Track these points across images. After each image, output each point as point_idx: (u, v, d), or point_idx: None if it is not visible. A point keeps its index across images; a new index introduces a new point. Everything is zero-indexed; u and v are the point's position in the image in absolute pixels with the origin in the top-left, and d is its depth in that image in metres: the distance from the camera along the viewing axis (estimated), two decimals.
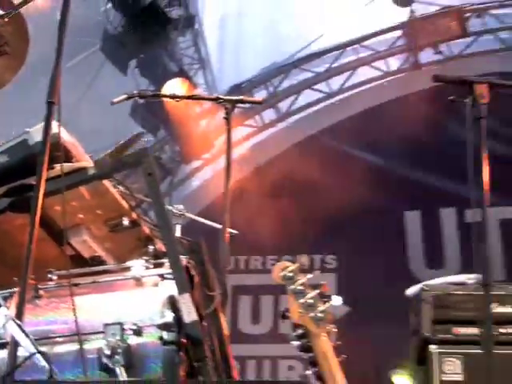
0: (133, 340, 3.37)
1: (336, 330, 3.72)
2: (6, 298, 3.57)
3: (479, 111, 3.64)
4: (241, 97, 5.84)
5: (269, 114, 11.76)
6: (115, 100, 5.44)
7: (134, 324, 3.38)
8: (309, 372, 3.57)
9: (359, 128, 11.34)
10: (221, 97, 5.61)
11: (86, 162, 3.76)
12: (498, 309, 6.03)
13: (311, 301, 3.57)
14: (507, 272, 10.11)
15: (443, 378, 5.88)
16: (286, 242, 9.98)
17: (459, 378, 5.84)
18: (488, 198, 3.64)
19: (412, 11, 10.96)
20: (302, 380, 3.58)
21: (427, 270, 10.35)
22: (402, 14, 11.09)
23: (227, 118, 5.39)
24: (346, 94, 11.83)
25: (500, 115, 10.27)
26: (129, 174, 4.77)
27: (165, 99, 8.42)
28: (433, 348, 6.02)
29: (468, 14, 11.08)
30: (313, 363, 3.56)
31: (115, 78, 10.13)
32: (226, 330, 4.08)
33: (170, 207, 6.07)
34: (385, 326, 9.32)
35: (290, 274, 3.60)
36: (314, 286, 3.63)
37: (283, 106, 11.77)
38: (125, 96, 5.46)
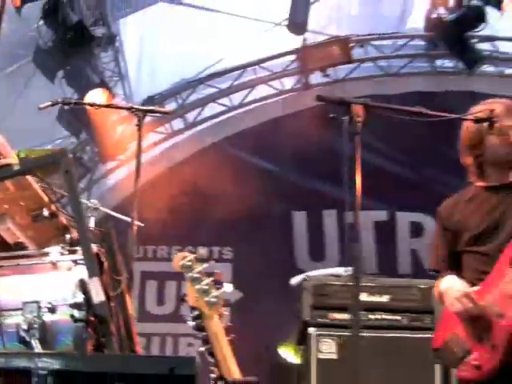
0: (47, 317, 3.36)
1: (228, 312, 3.72)
2: None
3: (355, 128, 3.67)
4: (151, 107, 5.83)
5: (177, 123, 11.74)
6: (42, 106, 5.41)
7: (49, 303, 3.37)
8: (203, 348, 3.56)
9: (256, 138, 11.38)
10: (134, 106, 5.60)
11: (12, 159, 3.73)
12: (367, 298, 6.11)
13: (206, 287, 3.57)
14: (379, 266, 10.22)
15: (320, 356, 5.96)
16: (188, 235, 10.00)
17: (333, 356, 5.93)
18: (360, 202, 3.66)
19: (304, 39, 11.03)
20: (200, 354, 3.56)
21: (311, 262, 10.41)
22: (295, 42, 11.15)
23: (139, 125, 5.38)
24: (246, 108, 11.84)
25: (374, 131, 10.41)
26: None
27: (86, 107, 8.33)
28: (312, 330, 6.09)
29: (352, 44, 11.19)
30: (206, 341, 3.56)
31: (44, 87, 10.01)
32: (131, 310, 4.07)
33: (85, 201, 6.06)
34: (273, 311, 9.36)
35: (189, 263, 3.59)
36: (210, 274, 3.62)
37: (190, 116, 11.76)
38: (50, 103, 5.43)
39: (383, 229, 10.75)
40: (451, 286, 4.07)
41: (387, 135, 10.82)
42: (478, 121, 4.04)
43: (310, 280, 6.26)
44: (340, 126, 3.71)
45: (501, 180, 4.18)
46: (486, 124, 4.04)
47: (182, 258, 3.63)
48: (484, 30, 11.17)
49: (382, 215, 10.84)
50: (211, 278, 3.62)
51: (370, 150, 10.75)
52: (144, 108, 5.52)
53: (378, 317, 6.15)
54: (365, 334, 6.03)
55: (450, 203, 4.34)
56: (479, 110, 4.13)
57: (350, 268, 6.15)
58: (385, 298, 6.21)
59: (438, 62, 12.14)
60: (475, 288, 3.97)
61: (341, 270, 6.38)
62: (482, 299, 3.89)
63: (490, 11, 10.71)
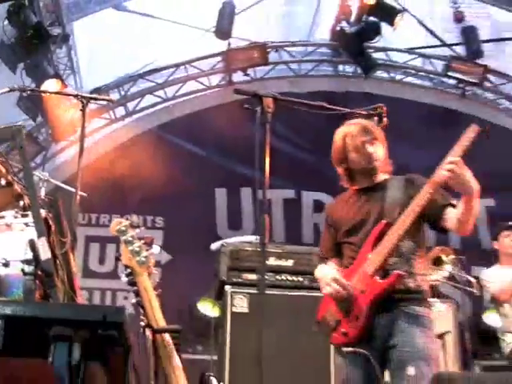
0: (2, 271, 3.31)
1: (158, 272, 3.75)
2: None
3: (265, 117, 3.69)
4: (94, 95, 5.77)
5: (119, 111, 11.71)
6: (1, 91, 5.33)
7: (4, 259, 3.32)
8: (134, 300, 3.57)
9: (186, 126, 11.40)
10: (79, 93, 5.54)
11: None
12: (275, 262, 6.15)
13: (137, 248, 3.57)
14: (286, 237, 10.28)
15: (234, 310, 5.99)
16: (126, 206, 9.95)
17: (245, 310, 5.95)
18: (268, 181, 3.70)
19: (229, 43, 11.05)
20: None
21: (229, 231, 10.43)
22: (221, 45, 11.16)
23: (83, 110, 5.34)
24: (178, 100, 11.83)
25: (284, 122, 10.48)
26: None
27: (41, 94, 8.24)
28: (227, 288, 6.10)
29: (269, 49, 11.25)
30: (137, 294, 3.56)
31: (7, 77, 9.85)
32: (74, 267, 4.05)
33: (37, 174, 5.99)
34: (197, 271, 9.38)
35: (123, 228, 3.59)
36: (141, 238, 3.62)
37: (130, 105, 11.72)
38: (7, 89, 5.34)
39: (291, 205, 10.82)
40: (323, 273, 4.36)
41: (295, 126, 10.92)
42: (368, 116, 4.14)
43: (227, 246, 6.28)
44: (254, 115, 3.73)
45: (367, 183, 4.40)
46: (347, 142, 4.34)
47: (118, 224, 3.62)
48: (379, 42, 11.31)
49: (290, 193, 10.92)
50: (142, 241, 3.63)
51: (281, 138, 10.83)
52: (88, 95, 5.47)
53: (284, 278, 6.20)
54: (272, 292, 6.15)
55: (333, 203, 4.64)
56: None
57: (259, 236, 6.22)
58: (290, 262, 6.26)
59: (340, 67, 12.26)
60: (345, 271, 4.26)
61: (253, 238, 6.42)
62: (349, 279, 4.14)
63: (384, 26, 10.83)
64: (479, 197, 3.93)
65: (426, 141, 10.60)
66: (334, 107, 4.17)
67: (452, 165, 3.85)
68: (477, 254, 10.18)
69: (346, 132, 4.40)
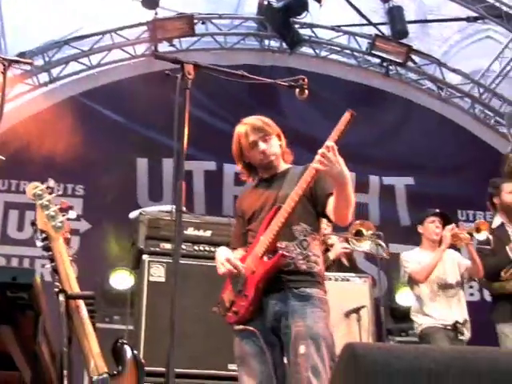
0: None
1: (69, 236, 3.72)
2: None
3: (186, 84, 3.68)
4: (16, 58, 5.63)
5: (43, 77, 11.48)
6: None
7: None
8: (49, 266, 3.55)
9: (109, 94, 11.27)
10: (0, 56, 5.42)
11: None
12: (193, 232, 6.16)
13: (53, 213, 3.54)
14: (207, 208, 10.28)
15: (150, 279, 5.97)
16: (47, 173, 9.76)
17: (162, 279, 5.95)
18: (187, 150, 3.69)
19: (156, 13, 10.94)
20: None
21: (150, 202, 10.37)
22: (148, 15, 11.04)
23: (4, 74, 5.23)
24: (102, 68, 11.69)
25: (205, 92, 10.46)
26: None
27: None
28: (145, 257, 6.10)
29: (196, 21, 11.19)
30: (51, 260, 3.55)
31: None
32: None
33: None
34: (115, 240, 9.35)
35: (40, 192, 3.56)
36: (57, 204, 3.59)
37: (55, 72, 11.51)
38: None
39: (212, 177, 10.82)
40: (219, 253, 4.52)
41: (218, 98, 10.94)
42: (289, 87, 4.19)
43: (146, 214, 6.28)
44: (175, 83, 3.71)
45: (268, 174, 4.61)
46: (242, 141, 4.54)
47: (34, 188, 3.59)
48: (305, 18, 11.35)
49: (211, 165, 10.90)
50: (58, 206, 3.59)
51: (203, 109, 10.81)
52: (9, 58, 5.34)
53: (202, 248, 6.24)
54: (189, 262, 6.17)
55: (241, 195, 4.79)
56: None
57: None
58: (208, 233, 6.29)
59: (266, 42, 12.25)
60: (238, 255, 4.47)
61: (172, 207, 6.40)
62: (244, 261, 4.31)
63: (311, 3, 10.87)
64: (354, 190, 4.11)
65: None
66: (255, 77, 4.17)
67: (324, 151, 3.93)
68: (395, 231, 10.37)
69: (239, 133, 4.58)
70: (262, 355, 4.22)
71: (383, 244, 7.61)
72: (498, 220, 7.23)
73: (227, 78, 4.13)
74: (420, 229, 7.45)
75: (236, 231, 4.72)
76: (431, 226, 7.33)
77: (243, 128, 4.58)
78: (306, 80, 4.28)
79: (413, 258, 7.21)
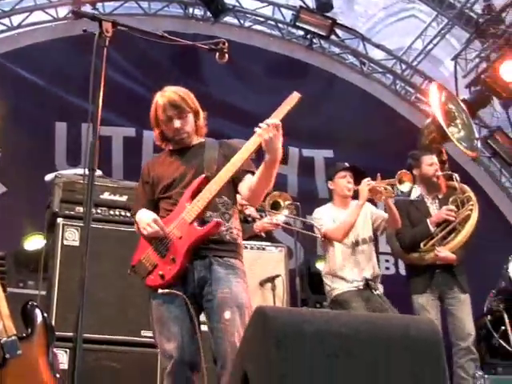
0: None
1: None
2: None
3: (104, 42, 3.62)
4: None
5: None
6: None
7: None
8: None
9: (31, 56, 10.97)
10: None
11: None
12: (109, 196, 6.10)
13: None
14: (125, 174, 10.14)
15: (65, 243, 5.91)
16: None
17: (76, 243, 5.88)
18: (101, 113, 3.67)
19: None
20: None
21: (68, 166, 10.17)
22: None
23: None
24: (23, 30, 11.38)
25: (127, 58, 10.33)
26: None
27: None
28: (59, 220, 6.01)
29: None
30: None
31: None
32: None
33: None
34: (29, 203, 9.19)
35: None
36: None
37: None
38: None
39: (131, 143, 10.67)
40: (144, 215, 4.46)
41: (139, 63, 10.82)
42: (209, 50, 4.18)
43: (61, 177, 6.18)
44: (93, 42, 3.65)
45: (181, 146, 4.67)
46: (158, 113, 4.60)
47: None
48: None
49: (130, 132, 10.76)
50: None
51: (125, 76, 10.67)
52: None
53: (117, 213, 6.19)
54: (104, 226, 6.10)
55: (149, 162, 4.82)
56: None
57: (97, 170, 6.12)
58: (124, 198, 6.23)
59: (190, 10, 12.10)
60: (163, 219, 4.42)
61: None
62: (167, 226, 4.33)
63: None
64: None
65: (270, 88, 10.66)
66: (175, 38, 4.13)
67: (271, 122, 4.08)
68: (313, 203, 10.40)
69: (157, 104, 4.62)
70: (183, 319, 4.28)
71: (299, 215, 7.61)
72: (416, 191, 7.27)
73: (146, 38, 4.08)
74: (331, 185, 7.22)
75: (141, 197, 4.71)
76: (342, 182, 7.08)
77: (161, 100, 4.59)
78: (226, 44, 4.28)
79: (326, 215, 6.99)
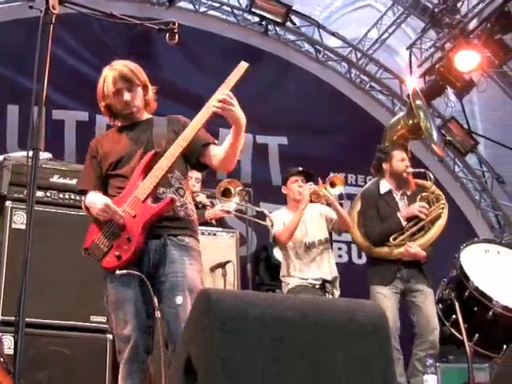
0: None
1: None
2: None
3: (49, 19, 3.55)
4: None
5: None
6: None
7: None
8: None
9: None
10: None
11: None
12: (59, 179, 6.05)
13: None
14: (77, 158, 9.96)
15: (13, 226, 5.85)
16: None
17: (24, 226, 5.80)
18: (46, 95, 3.64)
19: None
20: None
21: (19, 150, 9.97)
22: None
23: None
24: None
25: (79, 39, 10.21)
26: None
27: None
28: (8, 203, 5.93)
29: None
30: None
31: None
32: None
33: None
34: None
35: None
36: None
37: None
38: None
39: (84, 128, 10.52)
40: (95, 200, 4.41)
41: (93, 47, 10.68)
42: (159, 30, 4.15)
43: (10, 160, 6.08)
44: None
45: (129, 122, 4.63)
46: (106, 85, 4.57)
47: None
48: None
49: (84, 116, 10.63)
50: None
51: (78, 59, 10.55)
52: None
53: (67, 196, 6.12)
54: (55, 210, 6.02)
55: (97, 138, 4.81)
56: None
57: (46, 153, 6.05)
58: (74, 181, 6.15)
59: None
60: (115, 198, 4.40)
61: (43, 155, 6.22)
62: (119, 206, 4.29)
63: None
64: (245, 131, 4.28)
65: (224, 73, 10.59)
66: (125, 17, 4.08)
67: (224, 96, 4.14)
68: (267, 190, 10.40)
69: (106, 76, 4.58)
70: (139, 301, 4.27)
71: (251, 201, 7.61)
72: (385, 186, 7.25)
73: (100, 18, 4.02)
74: (284, 189, 7.39)
75: (89, 173, 4.64)
76: (294, 186, 7.25)
77: (111, 73, 4.55)
78: (176, 24, 4.25)
79: (278, 219, 7.13)
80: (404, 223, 6.99)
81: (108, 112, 4.66)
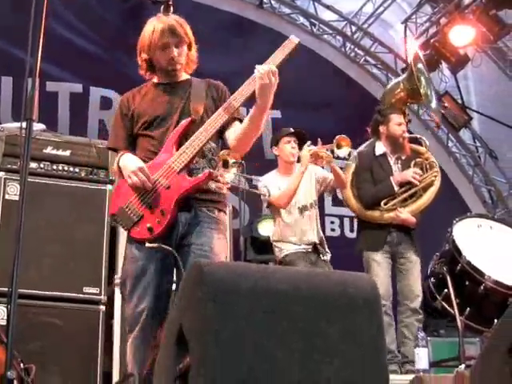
0: None
1: None
2: None
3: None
4: None
5: None
6: None
7: None
8: None
9: None
10: None
11: None
12: (52, 151, 6.02)
13: None
14: (71, 129, 9.92)
15: (6, 197, 5.82)
16: None
17: (17, 197, 5.76)
18: (39, 68, 3.61)
19: None
20: None
21: (12, 121, 9.94)
22: None
23: None
24: None
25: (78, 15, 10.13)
26: None
27: None
28: (1, 174, 5.93)
29: None
30: None
31: None
32: None
33: None
34: None
35: None
36: None
37: None
38: None
39: (78, 100, 10.48)
40: (128, 161, 4.21)
41: (91, 21, 10.62)
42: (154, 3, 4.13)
43: (3, 130, 6.05)
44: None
45: (168, 80, 4.42)
46: (154, 38, 4.32)
47: None
48: None
49: (77, 88, 10.57)
50: None
51: (72, 31, 10.47)
52: None
53: (60, 168, 6.10)
54: (47, 181, 6.01)
55: (129, 94, 4.48)
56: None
57: (40, 124, 6.02)
58: (67, 153, 6.14)
59: None
60: (147, 164, 4.17)
61: (37, 126, 6.20)
62: (152, 174, 4.09)
63: None
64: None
65: (221, 47, 10.56)
66: None
67: (271, 69, 3.95)
68: (259, 163, 10.37)
69: (155, 28, 4.32)
70: (161, 274, 4.16)
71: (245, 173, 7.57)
72: (380, 148, 7.22)
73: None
74: (275, 150, 7.22)
75: (120, 131, 4.42)
76: (287, 147, 7.09)
77: (160, 25, 4.32)
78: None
79: (271, 183, 6.94)
80: (396, 188, 7.00)
81: (146, 65, 4.44)
